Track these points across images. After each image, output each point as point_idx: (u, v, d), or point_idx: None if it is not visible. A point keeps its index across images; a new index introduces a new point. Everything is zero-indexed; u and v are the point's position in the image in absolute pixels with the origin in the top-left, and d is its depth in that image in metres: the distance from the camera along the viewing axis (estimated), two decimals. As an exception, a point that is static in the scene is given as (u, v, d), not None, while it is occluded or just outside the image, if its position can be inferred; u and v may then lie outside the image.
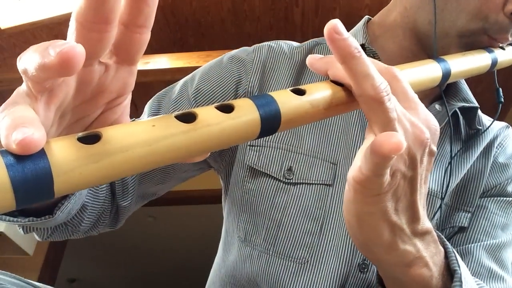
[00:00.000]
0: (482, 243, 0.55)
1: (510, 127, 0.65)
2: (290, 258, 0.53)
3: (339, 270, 0.52)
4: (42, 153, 0.20)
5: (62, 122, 0.28)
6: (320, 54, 0.65)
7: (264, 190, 0.56)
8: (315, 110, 0.30)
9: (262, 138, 0.56)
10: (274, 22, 2.46)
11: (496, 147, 0.60)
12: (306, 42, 0.66)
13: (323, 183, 0.54)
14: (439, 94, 0.59)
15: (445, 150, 0.57)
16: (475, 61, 0.48)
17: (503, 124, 0.65)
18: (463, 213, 0.57)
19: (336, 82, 0.33)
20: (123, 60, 0.29)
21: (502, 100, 0.58)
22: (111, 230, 0.63)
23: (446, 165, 0.55)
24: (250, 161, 0.57)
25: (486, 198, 0.58)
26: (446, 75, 0.42)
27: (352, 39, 0.30)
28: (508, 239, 0.56)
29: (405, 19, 0.58)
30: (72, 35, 0.25)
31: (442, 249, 0.37)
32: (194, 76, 0.65)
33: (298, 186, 0.55)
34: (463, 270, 0.37)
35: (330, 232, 0.53)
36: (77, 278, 4.93)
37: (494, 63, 0.51)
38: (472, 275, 0.51)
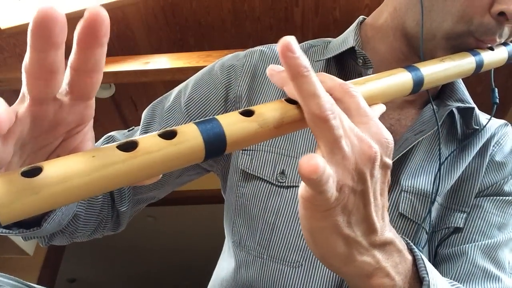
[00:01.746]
0: (478, 243, 0.54)
1: (509, 124, 0.64)
2: (284, 262, 0.53)
3: (334, 273, 0.51)
4: None
5: (24, 151, 0.30)
6: (314, 56, 0.65)
7: (257, 193, 0.56)
8: (264, 129, 0.31)
9: None
10: (274, 22, 2.46)
11: (493, 146, 0.60)
12: (300, 44, 0.64)
13: None
14: (434, 96, 0.59)
15: (440, 152, 0.57)
16: (454, 66, 0.48)
17: (501, 122, 0.64)
18: (459, 214, 0.56)
19: (292, 99, 0.33)
20: (77, 97, 0.30)
21: (497, 101, 0.58)
22: (114, 233, 0.65)
23: (440, 168, 0.55)
24: (243, 165, 0.58)
25: (482, 198, 0.57)
26: (419, 83, 0.42)
27: (304, 57, 0.30)
28: (505, 239, 0.55)
29: (395, 20, 0.58)
30: (23, 80, 0.27)
31: (410, 257, 0.37)
32: (188, 84, 0.66)
33: (291, 189, 0.55)
34: (433, 277, 0.37)
35: None
36: (77, 278, 4.93)
37: (480, 65, 0.50)
38: (466, 276, 0.51)
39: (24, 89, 0.28)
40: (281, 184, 0.55)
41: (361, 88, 0.37)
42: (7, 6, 2.00)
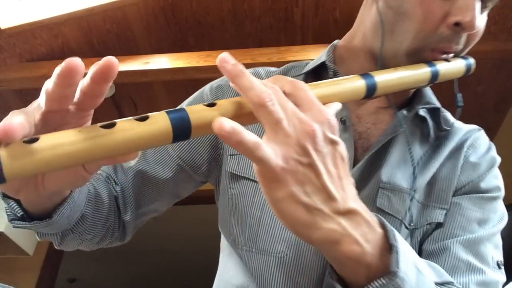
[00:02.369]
0: (459, 238, 0.57)
1: (482, 130, 0.68)
2: (270, 253, 0.57)
3: (317, 262, 0.55)
4: None
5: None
6: (295, 72, 0.72)
7: (244, 191, 0.62)
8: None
9: None
10: (274, 22, 2.46)
11: (467, 148, 0.64)
12: (283, 66, 0.74)
13: None
14: (405, 102, 0.66)
15: (414, 151, 0.61)
16: (408, 75, 0.54)
17: (474, 126, 0.68)
18: (438, 210, 0.60)
19: None
20: (82, 109, 0.38)
21: (461, 104, 0.64)
22: (121, 243, 0.69)
23: (413, 165, 0.60)
24: (231, 168, 0.64)
25: (460, 196, 0.61)
26: (372, 88, 0.48)
27: (238, 64, 0.38)
28: (486, 233, 0.57)
29: (365, 43, 0.64)
30: (42, 97, 0.35)
31: (380, 230, 0.40)
32: (182, 105, 0.72)
33: None
34: (402, 245, 0.39)
35: None
36: (77, 278, 4.93)
37: (435, 74, 0.55)
38: (450, 270, 0.54)
39: (41, 102, 0.35)
40: None
41: (315, 89, 0.43)
42: (7, 6, 2.00)
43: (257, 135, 0.35)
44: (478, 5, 0.54)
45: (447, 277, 0.50)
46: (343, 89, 0.46)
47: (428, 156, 0.62)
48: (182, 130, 0.35)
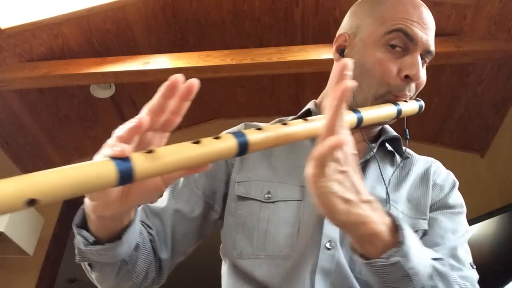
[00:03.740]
0: (440, 246, 0.70)
1: (437, 161, 0.85)
2: (277, 256, 0.69)
3: (313, 255, 0.67)
4: (127, 159, 0.41)
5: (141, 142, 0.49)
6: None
7: (252, 210, 0.74)
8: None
9: (245, 175, 0.78)
10: (274, 22, 2.46)
11: (433, 174, 0.81)
12: (272, 121, 0.84)
13: (295, 199, 0.73)
14: (373, 136, 0.84)
15: (385, 173, 0.77)
16: (383, 111, 0.71)
17: (430, 158, 0.86)
18: (422, 220, 0.74)
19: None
20: (163, 130, 0.50)
21: (408, 137, 0.82)
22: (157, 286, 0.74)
23: (385, 184, 0.77)
24: (239, 192, 0.77)
25: (435, 212, 0.76)
26: (360, 120, 0.64)
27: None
28: (459, 241, 0.72)
29: None
30: (144, 113, 0.47)
31: (387, 216, 0.55)
32: None
33: (277, 203, 0.73)
34: (406, 226, 0.55)
35: (304, 231, 0.69)
36: (77, 278, 4.93)
37: (400, 111, 0.73)
38: None
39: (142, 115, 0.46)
40: (268, 200, 0.74)
41: (310, 124, 0.57)
42: (7, 6, 2.00)
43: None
44: (420, 62, 0.73)
45: (438, 256, 0.63)
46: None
47: (399, 175, 0.79)
48: (243, 146, 0.48)
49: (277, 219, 0.71)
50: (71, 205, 2.76)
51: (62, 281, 4.64)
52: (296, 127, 0.55)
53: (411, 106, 0.76)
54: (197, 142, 0.45)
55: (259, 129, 0.51)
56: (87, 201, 0.53)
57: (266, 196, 0.74)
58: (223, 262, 0.79)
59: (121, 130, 0.45)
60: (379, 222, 0.53)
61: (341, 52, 0.80)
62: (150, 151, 0.43)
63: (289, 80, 2.83)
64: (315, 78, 2.59)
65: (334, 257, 0.67)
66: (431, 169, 0.82)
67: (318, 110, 0.84)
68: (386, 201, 0.73)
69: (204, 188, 0.79)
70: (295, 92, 2.92)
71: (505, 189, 2.54)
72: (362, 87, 0.74)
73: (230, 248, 0.74)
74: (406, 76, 0.72)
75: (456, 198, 0.79)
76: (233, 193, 0.77)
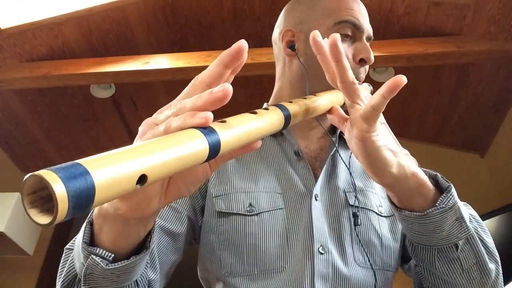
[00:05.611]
0: None
1: None
2: (272, 270, 0.67)
3: (309, 262, 0.66)
4: (213, 130, 0.35)
5: None
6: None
7: (235, 225, 0.70)
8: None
9: (223, 188, 0.74)
10: (274, 22, 2.45)
11: None
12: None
13: (277, 208, 0.71)
14: (329, 127, 0.86)
15: (353, 162, 0.81)
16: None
17: None
18: None
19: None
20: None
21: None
22: None
23: (350, 171, 0.80)
24: (219, 207, 0.72)
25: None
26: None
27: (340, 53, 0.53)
28: None
29: (293, 90, 0.83)
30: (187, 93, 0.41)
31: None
32: None
33: (260, 214, 0.71)
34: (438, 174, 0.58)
35: (293, 239, 0.69)
36: (77, 278, 4.92)
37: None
38: None
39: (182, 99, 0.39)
40: (251, 213, 0.71)
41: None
42: (7, 6, 2.00)
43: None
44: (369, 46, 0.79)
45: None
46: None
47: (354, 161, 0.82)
48: (287, 119, 0.46)
49: (263, 232, 0.69)
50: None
51: (62, 281, 4.63)
52: (320, 100, 0.56)
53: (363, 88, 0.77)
54: (254, 113, 0.41)
55: (290, 102, 0.50)
56: (106, 208, 0.42)
57: (248, 208, 0.71)
58: (211, 284, 0.76)
59: (196, 100, 0.36)
60: (421, 172, 0.54)
61: (291, 47, 0.83)
62: (223, 121, 0.36)
63: (289, 80, 2.83)
64: (315, 78, 2.58)
65: (328, 261, 0.67)
66: None
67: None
68: (363, 191, 0.76)
69: (185, 204, 0.74)
70: (295, 92, 2.91)
71: (504, 189, 2.54)
72: (318, 77, 0.72)
73: (216, 268, 0.71)
74: (361, 60, 0.77)
75: None
76: (212, 209, 0.73)
